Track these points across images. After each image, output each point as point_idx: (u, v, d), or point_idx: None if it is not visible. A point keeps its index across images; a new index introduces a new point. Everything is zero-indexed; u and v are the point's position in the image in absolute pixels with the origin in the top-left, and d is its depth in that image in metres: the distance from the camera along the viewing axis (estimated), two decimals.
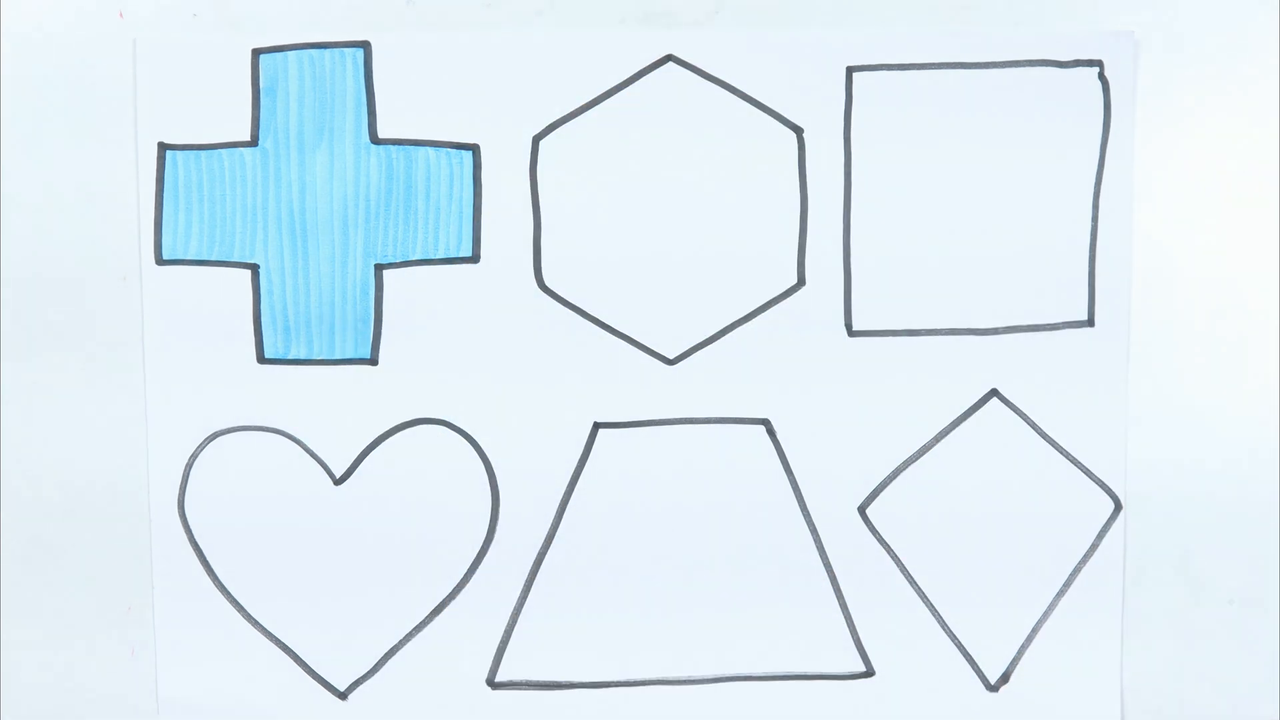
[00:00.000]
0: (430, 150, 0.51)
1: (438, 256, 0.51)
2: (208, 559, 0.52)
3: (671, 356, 0.51)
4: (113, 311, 0.51)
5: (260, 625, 0.52)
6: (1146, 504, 0.52)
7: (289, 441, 0.52)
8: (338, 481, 0.52)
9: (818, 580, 0.52)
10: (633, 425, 0.52)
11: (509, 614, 0.52)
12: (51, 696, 0.52)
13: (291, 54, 0.50)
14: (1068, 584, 0.52)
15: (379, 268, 0.51)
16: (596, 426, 0.52)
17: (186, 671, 0.52)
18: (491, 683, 0.52)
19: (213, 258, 0.51)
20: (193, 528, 0.52)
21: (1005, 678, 0.52)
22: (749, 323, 0.51)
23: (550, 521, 0.52)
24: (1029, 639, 0.52)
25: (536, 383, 0.51)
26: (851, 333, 0.51)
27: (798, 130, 0.51)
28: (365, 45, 0.50)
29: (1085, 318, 0.51)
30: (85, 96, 0.50)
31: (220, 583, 0.52)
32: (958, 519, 0.51)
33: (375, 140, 0.51)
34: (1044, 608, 0.52)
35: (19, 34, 0.50)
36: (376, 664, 0.52)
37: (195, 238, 0.51)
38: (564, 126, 0.51)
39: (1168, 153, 0.51)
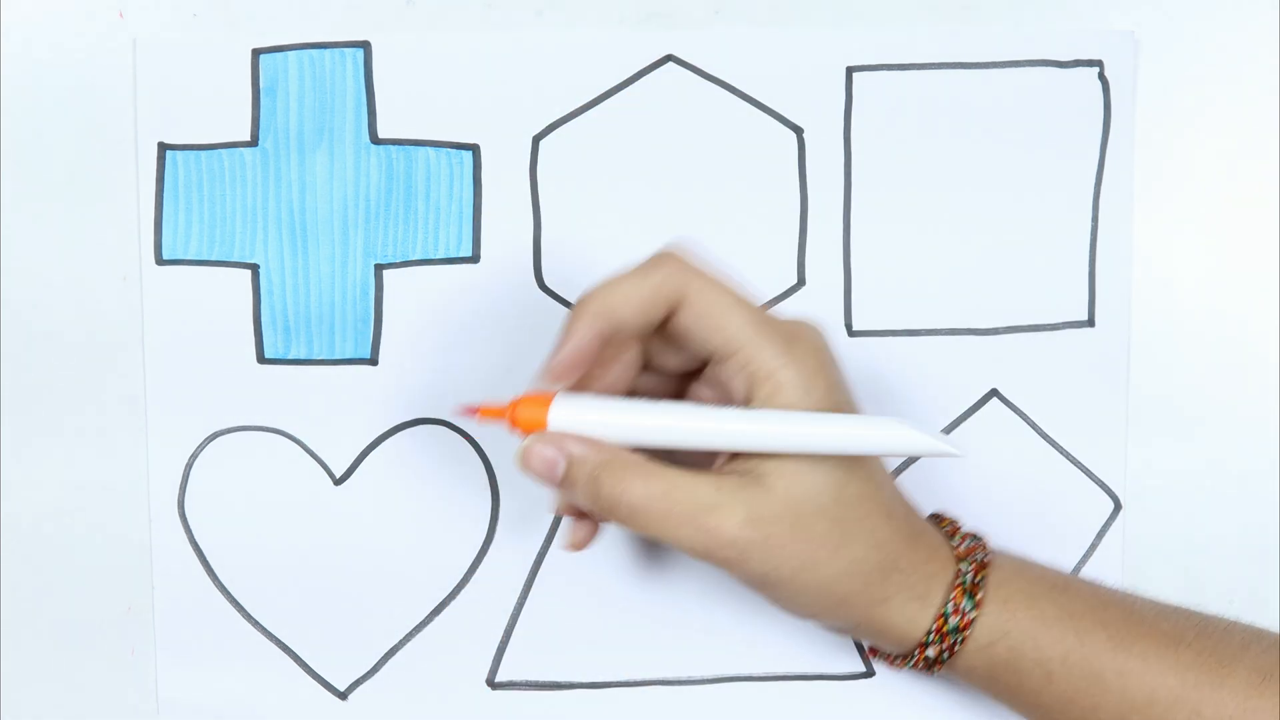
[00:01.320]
0: (430, 150, 0.51)
1: (438, 256, 0.51)
2: (208, 559, 0.52)
3: None
4: (113, 311, 0.51)
5: (260, 625, 0.52)
6: (1146, 504, 0.52)
7: (289, 441, 0.52)
8: (338, 481, 0.52)
9: None
10: None
11: (509, 614, 0.52)
12: (51, 696, 0.52)
13: (291, 54, 0.50)
14: None
15: (379, 268, 0.51)
16: None
17: (186, 671, 0.52)
18: (491, 683, 0.52)
19: (213, 258, 0.51)
20: (193, 528, 0.52)
21: None
22: None
23: (550, 521, 0.52)
24: None
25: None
26: (851, 333, 0.51)
27: (798, 130, 0.51)
28: (365, 45, 0.50)
29: (1085, 318, 0.51)
30: (85, 96, 0.50)
31: (220, 583, 0.52)
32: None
33: (375, 140, 0.51)
34: None
35: (19, 34, 0.50)
36: (376, 664, 0.52)
37: (195, 238, 0.51)
38: (564, 126, 0.51)
39: (1168, 153, 0.51)
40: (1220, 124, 0.51)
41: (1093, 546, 0.52)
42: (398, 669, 0.52)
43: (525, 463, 0.43)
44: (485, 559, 0.52)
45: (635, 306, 0.42)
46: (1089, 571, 0.52)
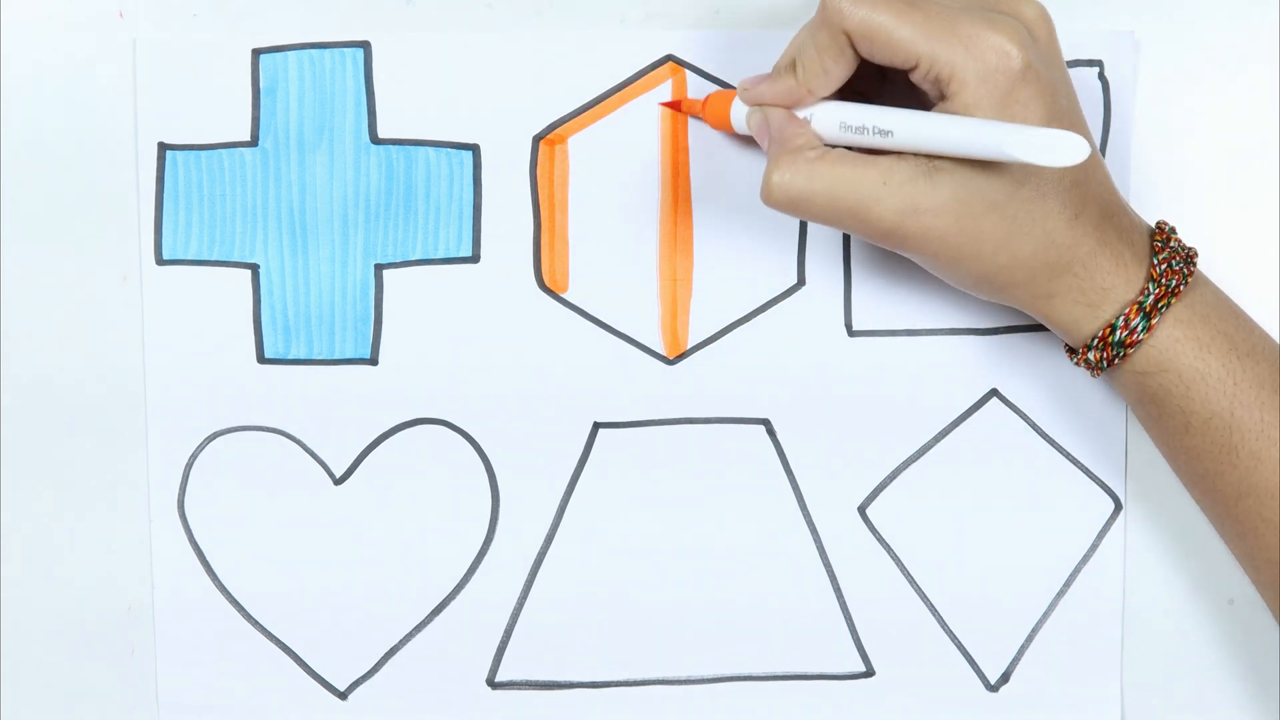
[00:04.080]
0: (430, 150, 0.51)
1: (438, 256, 0.51)
2: (208, 559, 0.52)
3: (671, 356, 0.51)
4: (113, 311, 0.51)
5: (260, 625, 0.52)
6: (1146, 504, 0.52)
7: (289, 441, 0.52)
8: (338, 481, 0.52)
9: (818, 580, 0.52)
10: (633, 425, 0.52)
11: (509, 614, 0.52)
12: (51, 696, 0.52)
13: (291, 54, 0.50)
14: (1068, 584, 0.52)
15: (379, 268, 0.51)
16: (596, 426, 0.52)
17: (186, 671, 0.52)
18: (491, 683, 0.52)
19: (213, 258, 0.51)
20: (193, 528, 0.52)
21: (1005, 678, 0.52)
22: (749, 323, 0.51)
23: (550, 521, 0.52)
24: (1029, 639, 0.52)
25: (536, 383, 0.51)
26: (851, 333, 0.51)
27: None
28: (365, 45, 0.50)
29: None
30: (85, 96, 0.50)
31: (220, 583, 0.52)
32: (958, 519, 0.51)
33: (375, 140, 0.51)
34: (1044, 608, 0.52)
35: (19, 34, 0.50)
36: (376, 664, 0.52)
37: (195, 238, 0.51)
38: (564, 126, 0.51)
39: (1168, 153, 0.51)
40: (1220, 124, 0.51)
41: (1093, 546, 0.52)
42: (398, 669, 0.52)
43: (747, 123, 0.46)
44: (485, 559, 0.52)
45: (815, 84, 0.44)
46: (1089, 571, 0.52)
